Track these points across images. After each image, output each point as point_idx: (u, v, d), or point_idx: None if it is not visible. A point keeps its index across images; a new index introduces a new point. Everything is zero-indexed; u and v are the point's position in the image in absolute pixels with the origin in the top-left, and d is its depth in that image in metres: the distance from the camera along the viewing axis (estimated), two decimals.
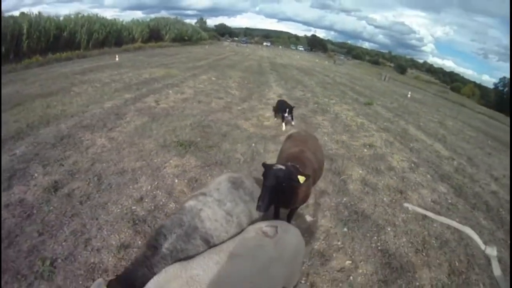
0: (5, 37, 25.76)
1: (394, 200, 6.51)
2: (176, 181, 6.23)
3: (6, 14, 28.77)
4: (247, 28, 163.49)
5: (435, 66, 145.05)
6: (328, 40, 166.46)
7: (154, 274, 2.98)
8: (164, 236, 3.31)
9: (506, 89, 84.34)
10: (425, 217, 5.99)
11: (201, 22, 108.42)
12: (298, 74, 28.90)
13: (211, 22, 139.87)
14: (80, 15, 36.39)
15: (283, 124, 10.40)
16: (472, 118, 30.57)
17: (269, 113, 11.84)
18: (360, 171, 7.66)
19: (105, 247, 4.67)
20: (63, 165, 6.75)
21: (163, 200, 5.58)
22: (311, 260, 4.68)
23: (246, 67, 29.60)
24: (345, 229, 5.40)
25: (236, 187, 3.91)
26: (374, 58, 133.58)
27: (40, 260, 4.49)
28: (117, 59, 26.32)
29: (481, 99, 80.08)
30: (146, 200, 5.58)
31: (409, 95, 30.00)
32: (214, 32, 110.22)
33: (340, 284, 4.34)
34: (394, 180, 7.49)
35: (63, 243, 4.81)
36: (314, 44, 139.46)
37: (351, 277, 4.48)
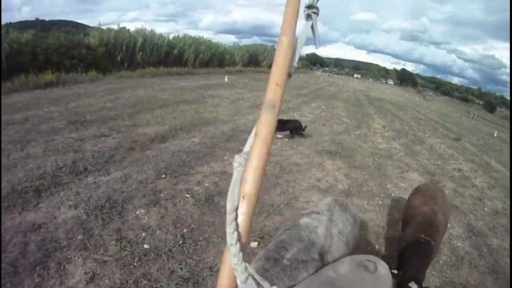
0: (121, 48, 29.31)
1: (475, 203, 9.40)
2: (336, 173, 9.51)
3: (105, 27, 32.59)
4: (337, 59, 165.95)
5: None
6: (417, 74, 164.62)
7: (273, 285, 2.68)
8: (285, 249, 3.42)
9: None
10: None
11: None
12: (393, 109, 31.47)
13: (302, 51, 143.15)
14: (187, 36, 40.02)
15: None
16: None
17: (380, 139, 15.04)
18: (452, 184, 10.59)
19: (310, 201, 7.41)
20: None
21: (333, 182, 8.75)
22: None
23: (346, 98, 32.49)
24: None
25: (343, 209, 4.17)
26: (463, 95, 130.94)
27: (269, 206, 6.96)
28: (226, 79, 28.88)
29: None
30: (322, 181, 8.68)
31: (495, 135, 31.20)
32: (305, 61, 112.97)
33: None
34: (475, 193, 10.32)
35: (278, 198, 7.42)
36: (404, 78, 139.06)
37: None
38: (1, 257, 4.20)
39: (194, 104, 15.69)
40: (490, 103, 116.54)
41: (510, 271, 5.54)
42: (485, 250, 6.85)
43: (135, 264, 4.65)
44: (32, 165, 7.10)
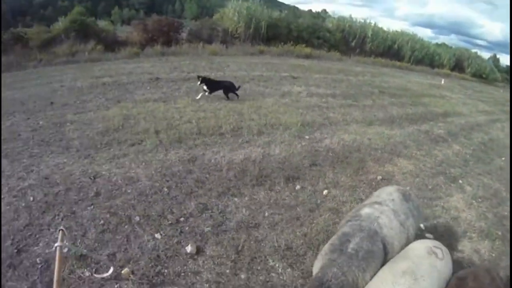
0: (354, 36, 37.09)
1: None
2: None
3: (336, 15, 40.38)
4: None
5: None
6: None
7: (344, 273, 3.39)
8: (348, 240, 3.71)
9: None
10: None
11: (494, 59, 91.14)
12: None
13: (502, 59, 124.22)
14: (404, 32, 45.52)
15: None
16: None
17: None
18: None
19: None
20: None
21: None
22: None
23: None
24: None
25: (406, 200, 4.45)
26: None
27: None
28: (442, 82, 30.25)
29: None
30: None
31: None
32: (505, 73, 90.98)
33: None
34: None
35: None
36: None
37: None
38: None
39: (441, 99, 20.83)
40: None
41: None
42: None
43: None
44: None
